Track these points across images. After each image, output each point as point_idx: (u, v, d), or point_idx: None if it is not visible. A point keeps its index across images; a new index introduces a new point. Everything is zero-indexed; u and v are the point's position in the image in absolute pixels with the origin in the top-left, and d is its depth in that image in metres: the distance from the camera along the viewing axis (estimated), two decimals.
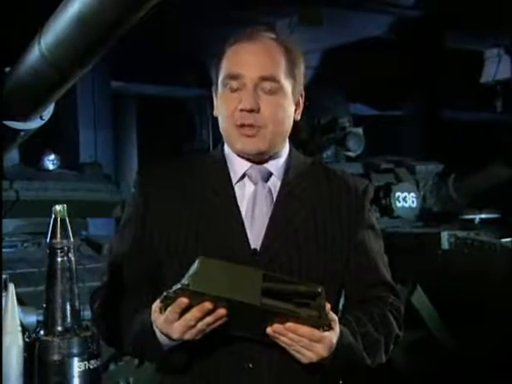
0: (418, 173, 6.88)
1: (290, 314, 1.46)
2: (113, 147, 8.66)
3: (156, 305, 1.50)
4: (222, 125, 1.70)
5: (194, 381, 1.65)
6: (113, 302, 1.66)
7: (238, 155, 1.71)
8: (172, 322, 1.48)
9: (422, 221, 6.62)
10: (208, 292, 1.42)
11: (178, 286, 1.43)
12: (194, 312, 1.45)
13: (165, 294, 1.46)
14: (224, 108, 1.67)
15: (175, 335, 1.49)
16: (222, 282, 1.43)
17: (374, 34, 8.90)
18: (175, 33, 8.14)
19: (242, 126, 1.64)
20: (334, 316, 1.52)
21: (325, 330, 1.49)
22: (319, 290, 1.46)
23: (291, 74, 1.68)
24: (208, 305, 1.43)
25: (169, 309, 1.46)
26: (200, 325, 1.46)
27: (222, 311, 1.44)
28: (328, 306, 1.49)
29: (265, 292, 1.44)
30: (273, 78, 1.64)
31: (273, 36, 1.69)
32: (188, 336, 1.49)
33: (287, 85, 1.67)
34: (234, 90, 1.65)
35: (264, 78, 1.64)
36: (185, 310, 1.45)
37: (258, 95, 1.64)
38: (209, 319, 1.45)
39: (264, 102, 1.64)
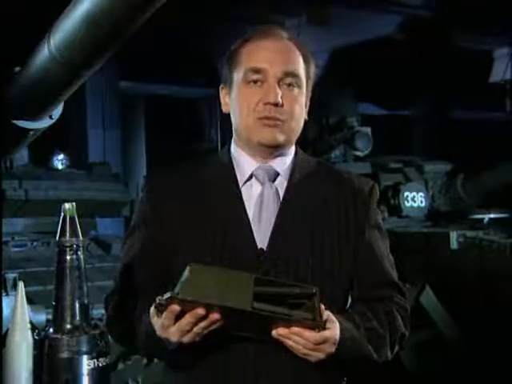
0: (427, 172, 6.87)
1: (283, 317, 1.46)
2: (121, 147, 8.67)
3: (152, 310, 1.52)
4: (241, 119, 1.70)
5: (202, 380, 1.65)
6: (124, 304, 1.68)
7: (248, 154, 1.72)
8: (168, 327, 1.49)
9: (431, 220, 6.61)
10: (197, 300, 1.42)
11: (168, 294, 1.43)
12: (188, 318, 1.46)
13: (157, 301, 1.46)
14: (245, 102, 1.68)
15: (173, 339, 1.51)
16: (212, 289, 1.43)
17: (382, 33, 8.89)
18: (184, 32, 8.14)
19: (265, 118, 1.66)
20: (330, 315, 1.52)
21: (320, 331, 1.48)
22: (314, 291, 1.46)
23: (307, 72, 1.73)
24: (200, 311, 1.44)
25: (163, 315, 1.48)
26: (195, 329, 1.48)
27: (215, 316, 1.45)
28: (322, 307, 1.49)
29: (257, 296, 1.44)
30: (294, 74, 1.68)
31: (288, 35, 1.74)
32: (186, 339, 1.50)
33: (304, 82, 1.72)
34: (255, 84, 1.67)
35: (287, 74, 1.67)
36: (180, 315, 1.46)
37: (281, 90, 1.66)
38: (203, 324, 1.47)
39: (285, 96, 1.67)
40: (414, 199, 6.49)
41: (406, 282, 1.78)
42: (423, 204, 6.54)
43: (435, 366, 5.03)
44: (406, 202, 6.44)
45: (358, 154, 6.66)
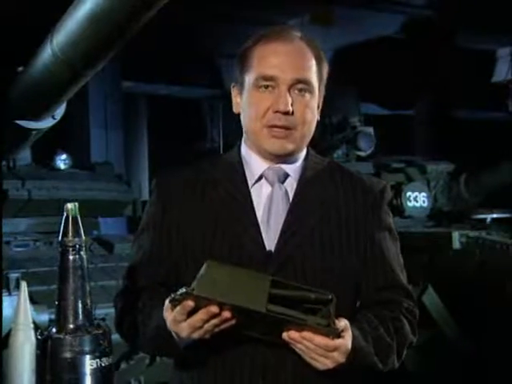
0: (429, 172, 6.87)
1: (298, 322, 1.45)
2: (124, 147, 8.68)
3: (166, 304, 1.52)
4: (250, 124, 1.68)
5: (210, 379, 1.65)
6: (132, 303, 1.67)
7: (258, 155, 1.71)
8: (179, 322, 1.49)
9: (433, 220, 6.60)
10: (212, 297, 1.42)
11: (183, 289, 1.43)
12: (200, 315, 1.45)
13: (172, 295, 1.46)
14: (254, 108, 1.66)
15: (183, 334, 1.51)
16: (228, 288, 1.42)
17: (385, 33, 8.89)
18: (186, 32, 8.15)
19: (274, 126, 1.64)
20: (345, 322, 1.51)
21: (333, 338, 1.47)
22: (330, 297, 1.45)
23: (319, 74, 1.69)
24: (214, 309, 1.43)
25: (176, 310, 1.48)
26: (206, 326, 1.47)
27: (227, 314, 1.44)
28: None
29: (272, 298, 1.43)
30: (306, 80, 1.65)
31: (300, 35, 1.69)
32: (196, 335, 1.50)
33: (316, 86, 1.68)
34: (266, 90, 1.64)
35: (298, 80, 1.64)
36: (192, 311, 1.46)
37: (292, 97, 1.63)
38: (215, 321, 1.46)
39: (296, 103, 1.64)
40: (417, 199, 6.49)
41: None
42: (425, 204, 6.54)
43: (437, 366, 5.02)
44: (408, 202, 6.44)
45: (361, 153, 6.66)
